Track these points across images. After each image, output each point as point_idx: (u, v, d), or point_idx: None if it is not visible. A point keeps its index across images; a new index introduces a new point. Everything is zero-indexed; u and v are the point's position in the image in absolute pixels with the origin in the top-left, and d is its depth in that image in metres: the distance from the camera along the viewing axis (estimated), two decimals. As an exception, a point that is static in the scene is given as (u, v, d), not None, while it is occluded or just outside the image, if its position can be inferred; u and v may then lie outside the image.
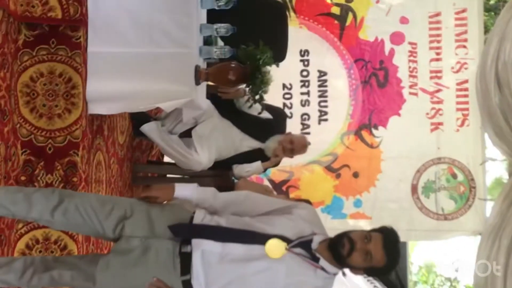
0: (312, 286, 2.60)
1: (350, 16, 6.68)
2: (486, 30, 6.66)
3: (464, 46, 6.42)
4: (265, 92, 3.90)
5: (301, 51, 6.74)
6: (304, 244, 2.62)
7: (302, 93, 6.78)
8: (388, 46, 6.62)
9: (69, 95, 3.55)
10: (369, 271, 2.66)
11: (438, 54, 6.50)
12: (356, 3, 6.66)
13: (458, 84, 6.45)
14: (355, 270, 2.63)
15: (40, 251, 3.48)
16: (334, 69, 6.73)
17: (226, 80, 3.83)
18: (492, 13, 9.16)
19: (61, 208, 2.70)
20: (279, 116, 5.00)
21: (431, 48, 6.51)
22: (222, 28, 3.84)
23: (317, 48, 6.74)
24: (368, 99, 6.66)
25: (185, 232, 2.66)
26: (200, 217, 2.70)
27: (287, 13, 6.00)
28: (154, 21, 3.61)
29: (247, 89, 4.02)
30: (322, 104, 6.75)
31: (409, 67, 6.57)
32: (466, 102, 6.42)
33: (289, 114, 6.43)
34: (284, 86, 6.74)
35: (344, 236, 2.59)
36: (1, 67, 3.27)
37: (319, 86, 6.76)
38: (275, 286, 2.58)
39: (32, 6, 3.44)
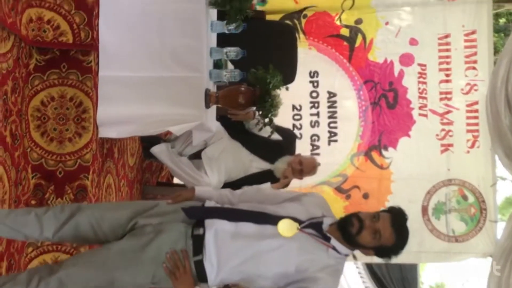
0: (324, 264, 2.63)
1: (359, 38, 6.70)
2: (496, 51, 6.66)
3: (474, 68, 6.40)
4: (275, 115, 3.90)
5: (310, 72, 6.76)
6: (315, 225, 2.68)
7: (311, 114, 6.79)
8: (397, 67, 6.62)
9: (80, 119, 3.57)
10: (379, 251, 2.68)
11: (447, 75, 6.49)
12: (366, 24, 6.68)
13: (468, 105, 6.43)
14: (365, 250, 2.68)
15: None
16: (344, 90, 6.75)
17: (236, 103, 3.83)
18: (502, 34, 9.16)
19: (71, 223, 2.74)
20: (288, 137, 5.00)
21: (440, 70, 6.50)
22: (232, 51, 3.86)
23: (326, 70, 6.76)
24: (378, 120, 6.66)
25: (199, 213, 2.72)
26: (212, 203, 2.80)
27: (297, 35, 6.04)
28: (165, 45, 3.63)
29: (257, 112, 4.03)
30: (332, 125, 6.76)
31: (419, 88, 6.56)
32: (476, 124, 6.39)
33: (298, 135, 6.46)
34: (293, 107, 6.76)
35: (353, 216, 2.67)
36: (12, 91, 3.29)
37: (329, 107, 6.77)
38: (288, 264, 2.61)
39: (43, 30, 3.48)
